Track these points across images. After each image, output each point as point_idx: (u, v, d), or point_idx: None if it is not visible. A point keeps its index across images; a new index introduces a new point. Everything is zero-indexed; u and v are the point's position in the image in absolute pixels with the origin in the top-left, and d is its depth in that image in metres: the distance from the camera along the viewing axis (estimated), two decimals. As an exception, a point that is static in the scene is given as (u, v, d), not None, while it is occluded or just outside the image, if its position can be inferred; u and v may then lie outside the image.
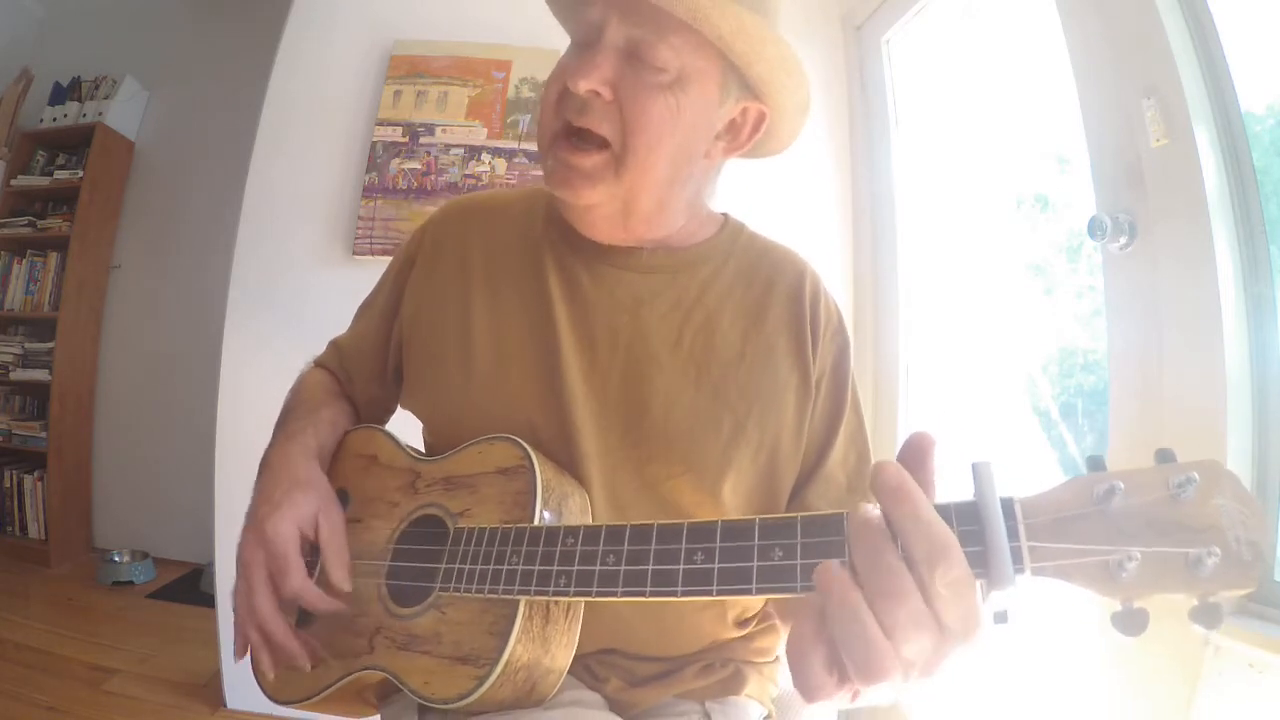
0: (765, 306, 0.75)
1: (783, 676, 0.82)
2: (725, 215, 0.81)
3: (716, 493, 0.69)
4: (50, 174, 3.08)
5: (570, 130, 0.65)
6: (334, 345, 0.90)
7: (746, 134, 0.72)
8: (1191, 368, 0.99)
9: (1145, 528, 0.39)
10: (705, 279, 0.75)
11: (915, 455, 0.43)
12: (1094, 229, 1.10)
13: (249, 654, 0.70)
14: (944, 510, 0.42)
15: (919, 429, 0.44)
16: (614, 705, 0.71)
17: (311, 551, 0.69)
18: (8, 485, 2.95)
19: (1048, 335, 1.59)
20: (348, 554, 0.69)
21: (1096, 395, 1.41)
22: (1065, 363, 1.56)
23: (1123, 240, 1.08)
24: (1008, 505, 0.41)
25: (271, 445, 0.75)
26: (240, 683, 1.89)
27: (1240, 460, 0.94)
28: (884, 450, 0.78)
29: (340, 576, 0.67)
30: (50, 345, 2.97)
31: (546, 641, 0.59)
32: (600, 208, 0.68)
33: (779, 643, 0.81)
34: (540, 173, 0.70)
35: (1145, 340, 1.06)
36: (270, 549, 0.65)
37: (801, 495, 0.73)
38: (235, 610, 0.68)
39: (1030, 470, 1.56)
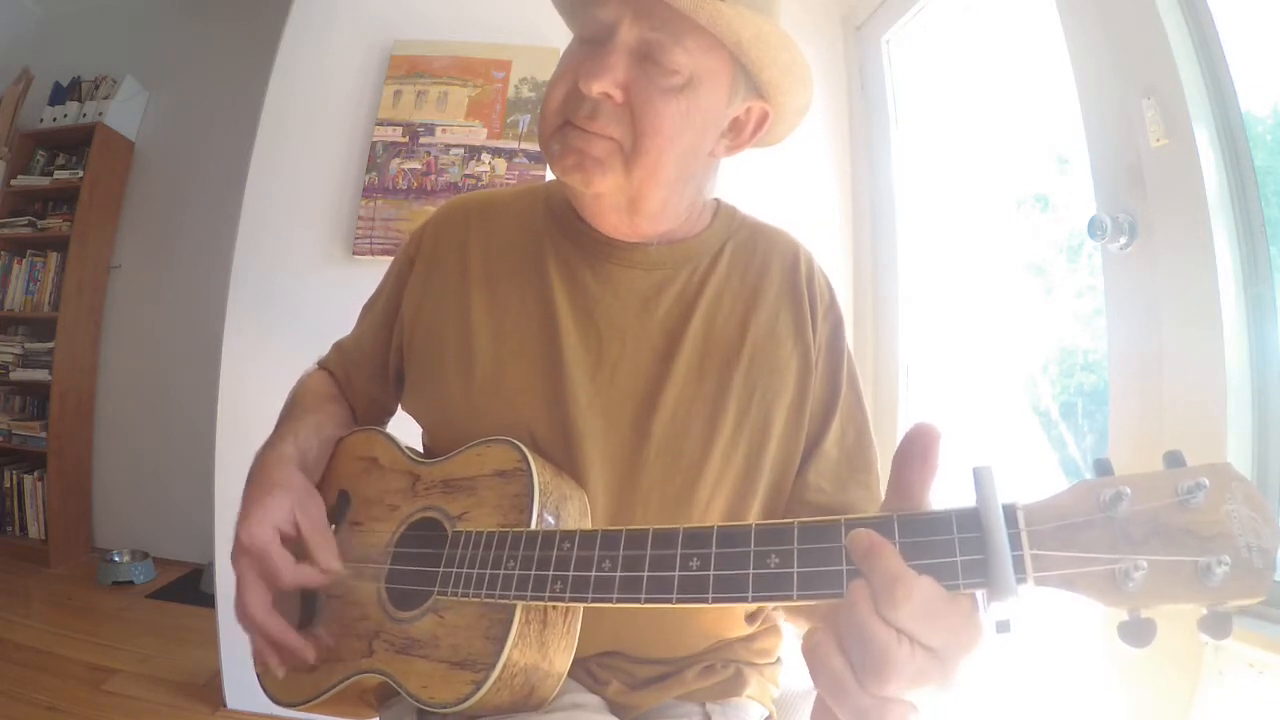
0: (763, 290, 0.74)
1: (783, 677, 0.82)
2: (717, 201, 0.81)
3: (724, 484, 0.69)
4: (50, 174, 3.08)
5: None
6: (337, 347, 0.90)
7: (749, 132, 0.71)
8: (1191, 368, 0.99)
9: (1153, 535, 0.38)
10: (705, 270, 0.75)
11: (921, 449, 0.42)
12: (1094, 229, 1.10)
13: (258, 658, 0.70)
14: (943, 516, 0.41)
15: (923, 420, 0.42)
16: (614, 708, 0.71)
17: (296, 548, 0.68)
18: (8, 485, 2.95)
19: (1048, 335, 1.60)
20: (332, 539, 0.69)
21: (1096, 395, 1.41)
22: (1065, 363, 1.56)
23: (1123, 240, 1.08)
24: (1010, 512, 0.40)
25: (255, 456, 0.75)
26: (240, 683, 1.90)
27: (1240, 460, 0.94)
28: (884, 452, 0.78)
29: (328, 561, 0.67)
30: (50, 345, 2.97)
31: (544, 646, 0.59)
32: (608, 197, 0.68)
33: (780, 644, 0.81)
34: (539, 172, 0.70)
35: (1145, 340, 1.06)
36: (251, 554, 0.65)
37: (801, 474, 0.72)
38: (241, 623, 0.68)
39: (1030, 470, 1.56)
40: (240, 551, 0.66)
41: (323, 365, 0.89)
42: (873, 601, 0.39)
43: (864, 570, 0.41)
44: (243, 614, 0.66)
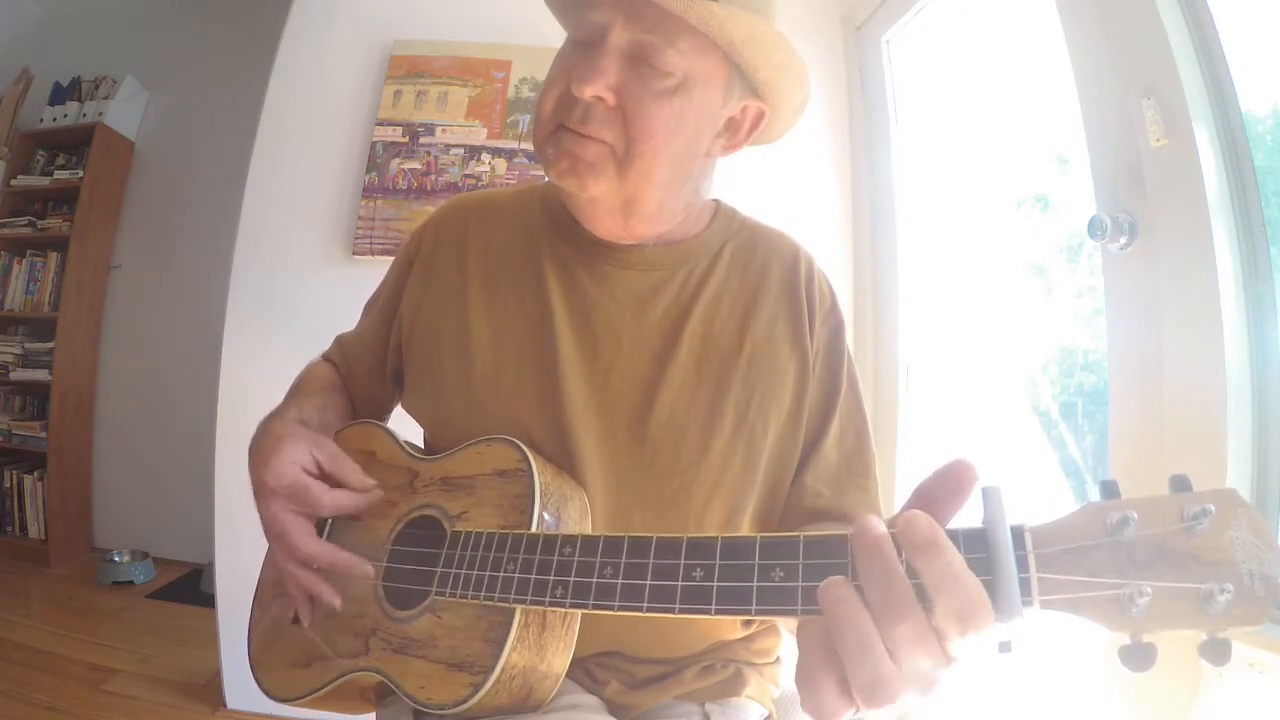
0: (762, 293, 0.74)
1: (783, 677, 0.82)
2: (716, 202, 0.80)
3: (721, 488, 0.68)
4: (50, 174, 3.08)
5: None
6: (339, 341, 0.90)
7: (745, 131, 0.71)
8: (1191, 368, 0.99)
9: (1158, 559, 0.38)
10: (703, 272, 0.75)
11: (954, 484, 0.42)
12: (1094, 229, 1.10)
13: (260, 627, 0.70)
14: (952, 536, 0.41)
15: (964, 458, 0.42)
16: (613, 708, 0.71)
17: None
18: (8, 485, 2.95)
19: (1048, 335, 1.59)
20: (355, 464, 0.70)
21: (1096, 395, 1.41)
22: (1065, 363, 1.55)
23: (1123, 240, 1.08)
24: (1018, 534, 0.40)
25: (259, 426, 0.75)
26: (240, 683, 1.89)
27: (1240, 461, 0.94)
28: (883, 451, 0.77)
29: (361, 481, 0.69)
30: (50, 345, 2.97)
31: (543, 648, 0.59)
32: (602, 200, 0.68)
33: (779, 644, 0.81)
34: (539, 172, 0.70)
35: (1145, 340, 1.06)
36: (282, 491, 0.65)
37: (799, 477, 0.72)
38: (280, 576, 0.69)
39: (1030, 471, 1.56)
40: (269, 495, 0.66)
41: (326, 358, 0.90)
42: (957, 620, 0.38)
43: (925, 570, 0.38)
44: (294, 551, 0.65)
